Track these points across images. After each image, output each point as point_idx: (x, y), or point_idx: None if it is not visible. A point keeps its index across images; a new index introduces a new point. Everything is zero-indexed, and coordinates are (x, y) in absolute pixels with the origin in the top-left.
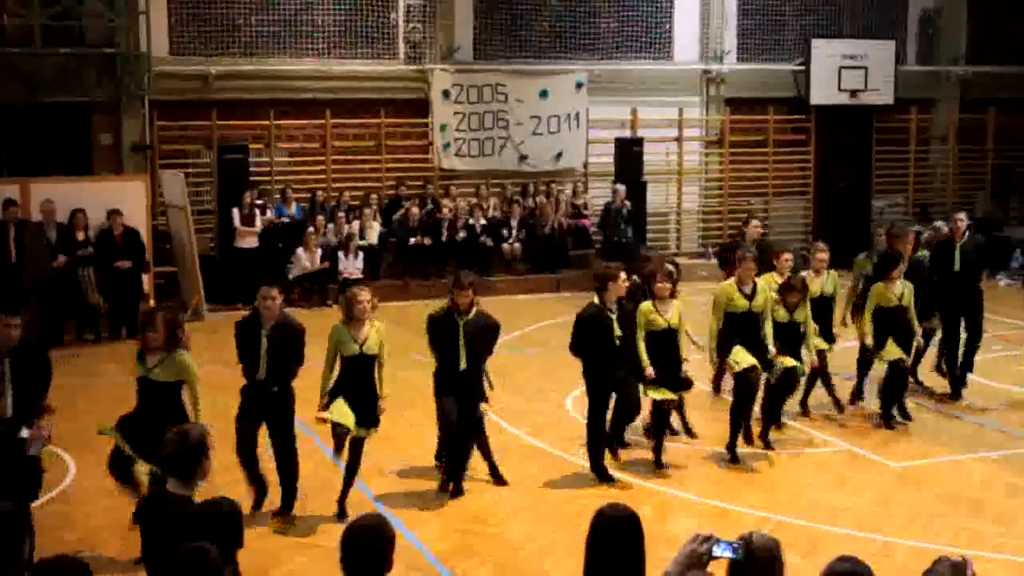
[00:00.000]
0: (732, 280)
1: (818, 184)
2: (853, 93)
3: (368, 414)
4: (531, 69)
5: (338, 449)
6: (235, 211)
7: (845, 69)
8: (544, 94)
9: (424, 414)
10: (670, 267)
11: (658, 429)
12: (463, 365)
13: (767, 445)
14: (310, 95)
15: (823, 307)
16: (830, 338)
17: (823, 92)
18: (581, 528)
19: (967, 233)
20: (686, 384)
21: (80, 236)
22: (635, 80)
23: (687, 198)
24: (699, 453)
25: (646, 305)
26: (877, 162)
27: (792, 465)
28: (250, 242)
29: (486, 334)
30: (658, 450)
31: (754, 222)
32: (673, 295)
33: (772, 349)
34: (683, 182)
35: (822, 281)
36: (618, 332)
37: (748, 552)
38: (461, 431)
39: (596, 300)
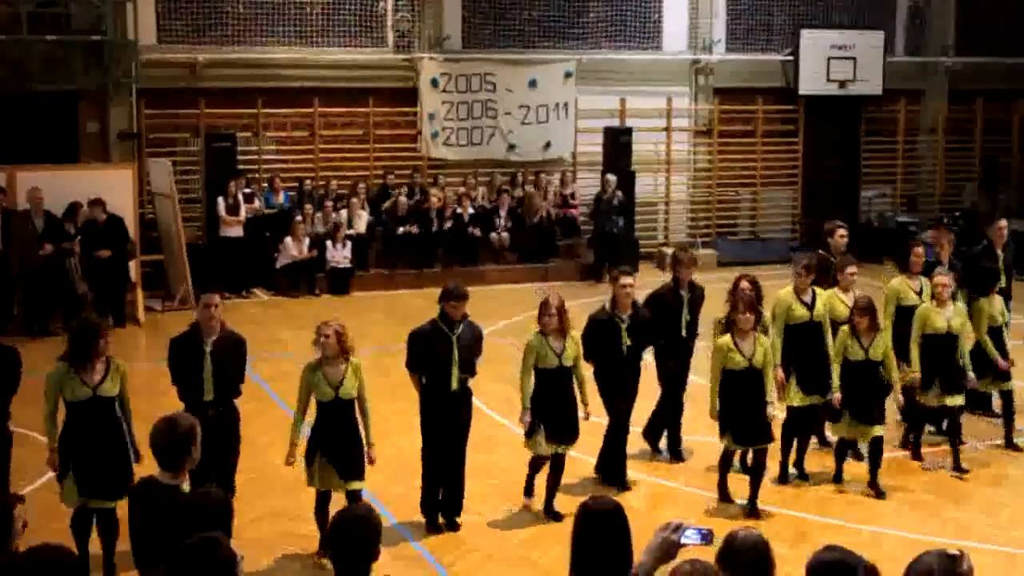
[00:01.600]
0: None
1: (806, 174)
2: (842, 83)
3: (353, 465)
4: (520, 58)
5: (322, 549)
6: (220, 200)
7: (834, 59)
8: (533, 83)
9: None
10: (747, 289)
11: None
12: (455, 385)
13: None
14: (298, 83)
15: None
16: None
17: (812, 82)
18: (569, 517)
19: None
20: (766, 436)
21: (71, 228)
22: (624, 70)
23: (675, 188)
24: (691, 444)
25: (724, 340)
26: (865, 152)
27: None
28: (236, 231)
29: (476, 345)
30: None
31: (840, 231)
32: (756, 323)
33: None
34: (672, 172)
35: (849, 301)
36: (627, 342)
37: (737, 547)
38: (451, 463)
39: (607, 306)
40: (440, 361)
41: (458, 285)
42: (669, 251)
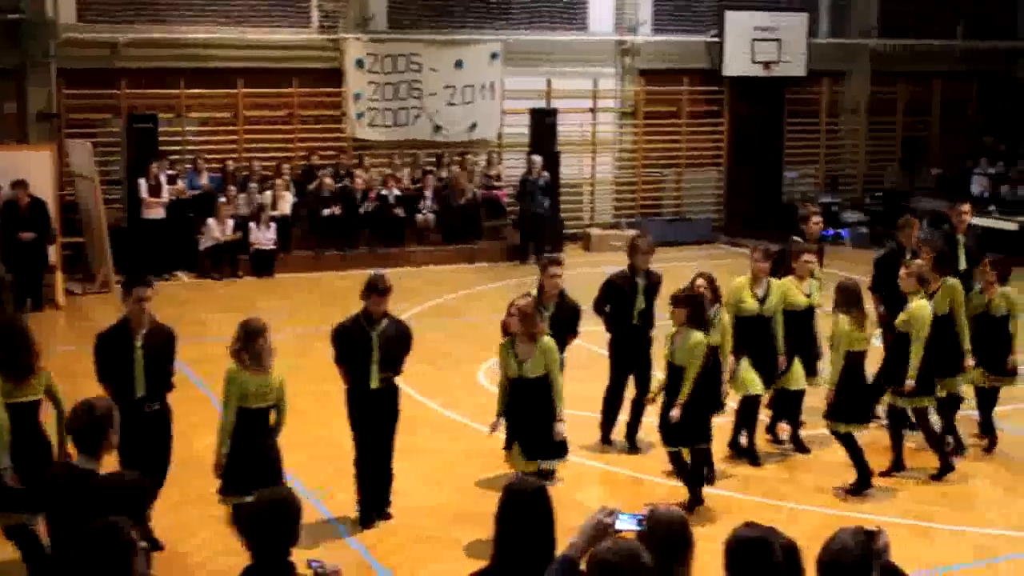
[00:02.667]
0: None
1: (731, 155)
2: (766, 65)
3: (273, 471)
4: (446, 39)
5: None
6: (141, 182)
7: (758, 41)
8: (459, 64)
9: (337, 387)
10: (702, 287)
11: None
12: (375, 383)
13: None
14: (221, 64)
15: (802, 323)
16: (813, 369)
17: (736, 63)
18: (493, 498)
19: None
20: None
21: None
22: (550, 51)
23: (601, 169)
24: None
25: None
26: (789, 133)
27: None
28: (157, 213)
29: (400, 343)
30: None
31: (815, 217)
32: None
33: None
34: (597, 153)
35: (807, 288)
36: (641, 305)
37: (653, 524)
38: (377, 458)
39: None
40: (360, 359)
41: (381, 278)
42: (611, 232)
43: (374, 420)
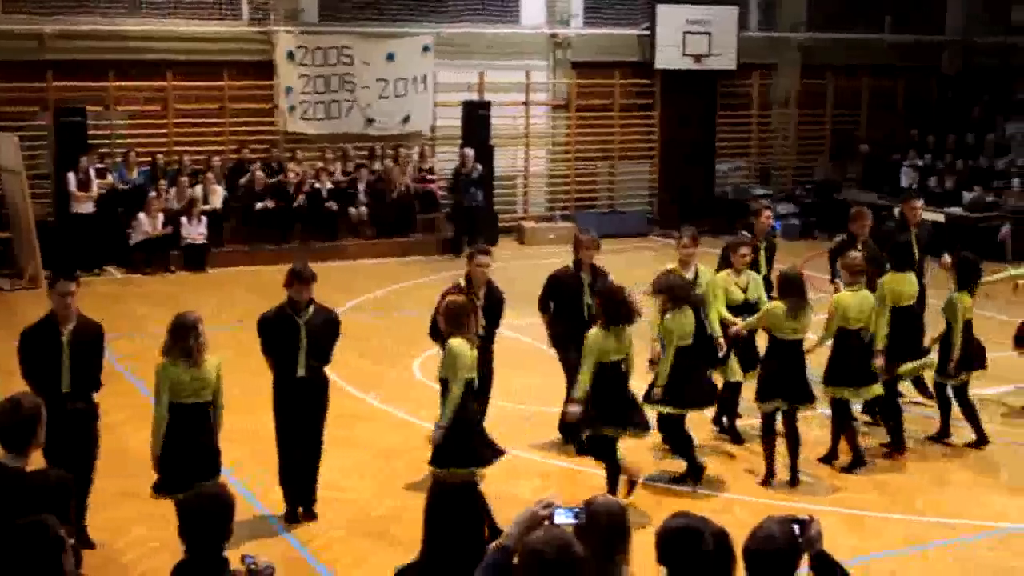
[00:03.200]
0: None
1: (663, 147)
2: (697, 58)
3: (210, 468)
4: (377, 31)
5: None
6: (71, 176)
7: (689, 34)
8: (391, 57)
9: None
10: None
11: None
12: (301, 372)
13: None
14: (151, 56)
15: (739, 316)
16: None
17: (668, 57)
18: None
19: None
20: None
21: None
22: (482, 44)
23: (534, 162)
24: (550, 416)
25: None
26: (721, 126)
27: None
28: (87, 207)
29: (329, 330)
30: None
31: (765, 212)
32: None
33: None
34: (530, 146)
35: (745, 283)
36: (589, 301)
37: (592, 516)
38: (304, 452)
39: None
40: (287, 347)
41: (304, 266)
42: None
43: (300, 411)
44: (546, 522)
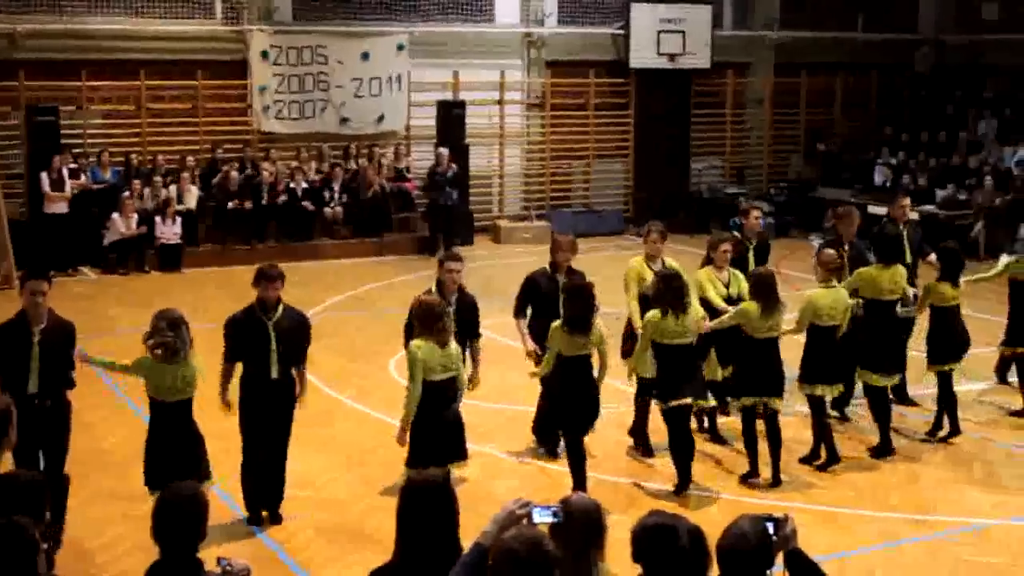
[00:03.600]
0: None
1: (638, 146)
2: (671, 57)
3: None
4: (352, 31)
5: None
6: (44, 175)
7: (664, 33)
8: (365, 56)
9: None
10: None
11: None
12: (275, 374)
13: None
14: (124, 56)
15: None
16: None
17: (642, 55)
18: None
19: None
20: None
21: None
22: (457, 43)
23: (509, 161)
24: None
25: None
26: (695, 124)
27: (609, 424)
28: (60, 207)
29: (299, 332)
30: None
31: (755, 212)
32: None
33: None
34: (505, 145)
35: (726, 279)
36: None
37: (567, 514)
38: (271, 454)
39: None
40: (258, 349)
41: (271, 265)
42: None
43: (270, 413)
44: (524, 521)
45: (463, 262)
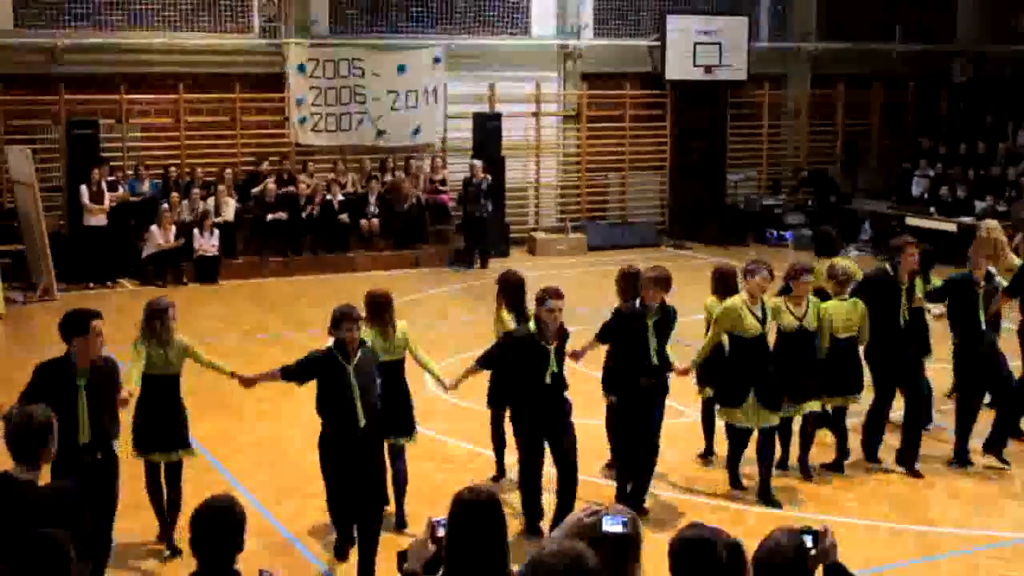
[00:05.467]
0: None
1: (674, 158)
2: (708, 68)
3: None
4: (388, 43)
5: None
6: (83, 188)
7: (700, 45)
8: (402, 69)
9: (278, 392)
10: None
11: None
12: (362, 422)
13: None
14: (162, 69)
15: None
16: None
17: (678, 67)
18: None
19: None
20: None
21: None
22: (493, 55)
23: (545, 173)
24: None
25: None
26: (731, 136)
27: None
28: (99, 219)
29: (376, 373)
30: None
31: (910, 250)
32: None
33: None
34: (541, 157)
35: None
36: (554, 368)
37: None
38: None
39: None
40: (339, 397)
41: (349, 308)
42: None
43: (358, 465)
44: (592, 529)
45: (563, 299)
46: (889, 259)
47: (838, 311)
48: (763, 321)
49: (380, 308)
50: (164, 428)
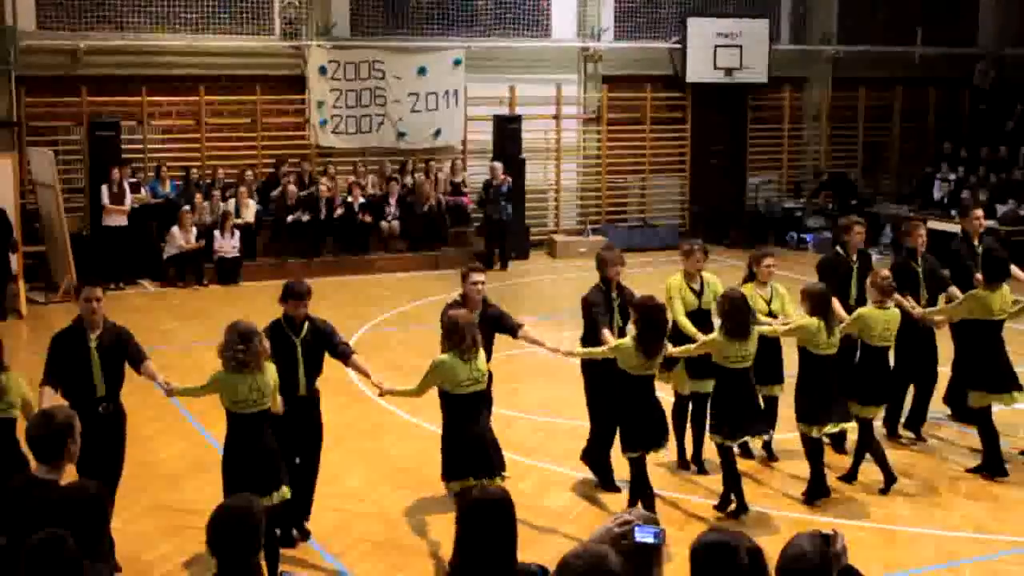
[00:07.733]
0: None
1: (694, 161)
2: (728, 71)
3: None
4: (409, 46)
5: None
6: (104, 189)
7: (720, 47)
8: (422, 71)
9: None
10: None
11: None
12: (303, 391)
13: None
14: (183, 71)
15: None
16: (779, 376)
17: (699, 70)
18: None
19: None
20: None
21: None
22: (513, 57)
23: (565, 175)
24: (579, 430)
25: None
26: (752, 139)
27: None
28: (119, 220)
29: (321, 347)
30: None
31: (857, 228)
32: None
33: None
34: (561, 159)
35: (768, 295)
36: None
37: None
38: (302, 470)
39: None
40: (282, 368)
41: (297, 283)
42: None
43: (300, 430)
44: (623, 540)
45: (485, 273)
46: (837, 239)
47: (876, 319)
48: (699, 294)
49: (458, 332)
50: (256, 471)
